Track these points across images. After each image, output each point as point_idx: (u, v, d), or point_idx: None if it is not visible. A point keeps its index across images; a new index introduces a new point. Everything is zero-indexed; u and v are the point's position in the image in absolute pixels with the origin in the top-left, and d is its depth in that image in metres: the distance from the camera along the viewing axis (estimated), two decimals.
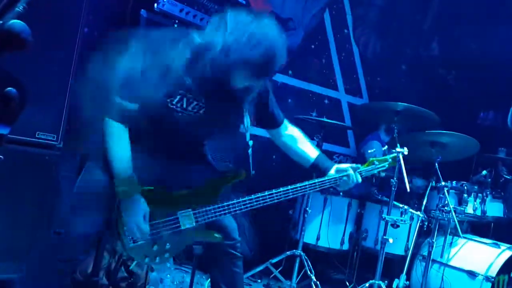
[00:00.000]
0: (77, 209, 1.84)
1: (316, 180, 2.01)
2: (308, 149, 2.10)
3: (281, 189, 1.95)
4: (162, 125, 1.86)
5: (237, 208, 1.93)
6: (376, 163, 2.16)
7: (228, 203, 1.93)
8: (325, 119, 3.74)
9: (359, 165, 2.11)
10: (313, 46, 4.78)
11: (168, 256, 1.95)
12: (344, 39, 5.04)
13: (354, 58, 5.14)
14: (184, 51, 1.75)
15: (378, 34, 5.31)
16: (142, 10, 2.92)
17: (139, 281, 2.71)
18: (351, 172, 2.03)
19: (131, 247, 1.87)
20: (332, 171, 2.05)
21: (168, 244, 1.92)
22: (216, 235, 1.98)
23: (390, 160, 2.19)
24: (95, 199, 1.85)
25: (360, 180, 2.06)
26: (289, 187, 1.96)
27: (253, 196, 1.94)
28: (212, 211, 1.92)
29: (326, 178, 2.03)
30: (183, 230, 1.92)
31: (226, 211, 1.93)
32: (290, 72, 4.60)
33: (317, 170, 2.07)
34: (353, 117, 5.07)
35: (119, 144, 1.81)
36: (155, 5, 2.88)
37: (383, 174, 2.21)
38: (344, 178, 2.03)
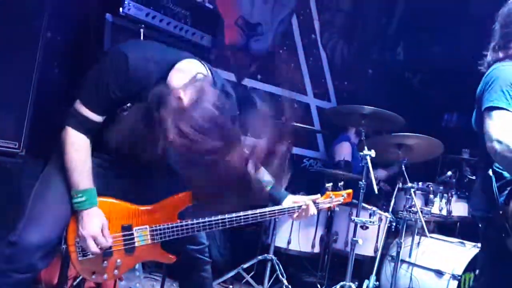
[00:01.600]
0: (34, 214, 1.76)
1: (276, 208, 2.03)
2: (264, 178, 2.10)
3: (241, 213, 1.93)
4: (123, 135, 1.79)
5: (195, 229, 1.88)
6: (333, 196, 2.20)
7: (186, 223, 1.87)
8: (294, 123, 3.76)
9: (318, 196, 2.14)
10: (281, 51, 4.82)
11: (117, 274, 1.86)
12: (312, 44, 5.11)
13: (321, 63, 5.21)
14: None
15: (345, 39, 5.40)
16: (107, 14, 2.87)
17: None
18: (308, 203, 2.06)
19: (79, 261, 1.79)
20: (287, 201, 2.06)
21: (119, 260, 1.84)
22: (170, 256, 1.92)
23: (345, 195, 2.24)
24: (53, 204, 1.77)
25: (315, 212, 2.10)
26: (249, 212, 1.95)
27: (213, 218, 1.89)
28: (170, 229, 1.86)
29: (286, 207, 2.04)
30: (137, 248, 1.85)
31: (184, 232, 1.87)
32: (259, 76, 4.62)
33: (272, 199, 2.08)
34: (322, 121, 5.12)
35: (80, 155, 1.75)
36: (120, 9, 2.82)
37: (337, 209, 2.25)
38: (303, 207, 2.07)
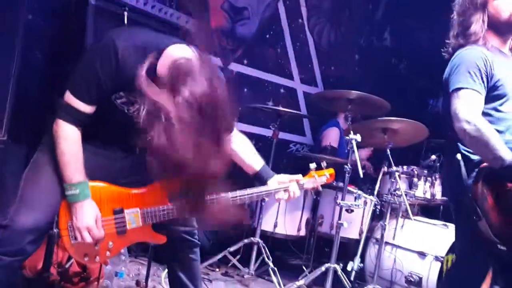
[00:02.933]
0: (24, 199, 1.76)
1: (263, 189, 2.04)
2: (255, 159, 2.11)
3: (230, 194, 1.94)
4: (115, 123, 1.79)
5: None
6: (316, 176, 2.21)
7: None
8: (281, 108, 3.76)
9: (300, 175, 2.14)
10: (267, 36, 4.79)
11: (109, 255, 1.89)
12: (299, 28, 5.08)
13: (308, 48, 5.19)
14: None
15: (332, 24, 5.38)
16: None
17: (93, 275, 2.66)
18: (292, 185, 2.07)
19: (72, 244, 1.81)
20: (273, 181, 2.07)
21: (111, 242, 1.86)
22: (161, 237, 1.95)
23: (327, 175, 2.24)
24: (43, 189, 1.77)
25: (298, 193, 2.10)
26: (237, 193, 1.96)
27: None
28: (160, 212, 1.88)
29: (273, 188, 2.05)
30: (129, 230, 1.87)
31: (175, 214, 1.88)
32: (245, 61, 4.60)
33: (259, 179, 2.09)
34: (309, 106, 5.13)
35: (73, 148, 1.74)
36: None
37: (320, 189, 2.26)
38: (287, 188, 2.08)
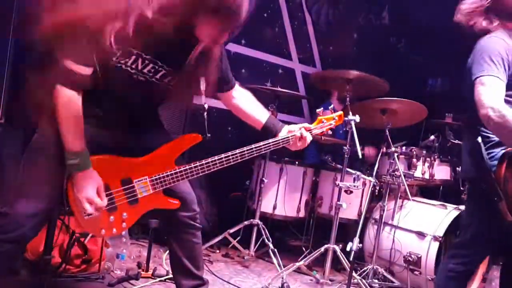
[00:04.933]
0: (25, 184, 1.75)
1: (270, 140, 2.06)
2: (259, 111, 2.14)
3: (237, 151, 1.96)
4: (115, 88, 1.78)
5: (194, 172, 1.91)
6: (324, 121, 2.23)
7: (185, 168, 1.90)
8: (279, 89, 3.73)
9: (310, 125, 2.17)
10: (265, 15, 4.73)
11: (125, 226, 1.90)
12: (296, 7, 5.01)
13: (306, 27, 5.13)
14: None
15: (330, 2, 5.31)
16: None
17: (94, 257, 2.67)
18: (301, 131, 2.10)
19: (86, 220, 1.80)
20: (283, 132, 2.10)
21: (125, 213, 1.87)
22: (174, 201, 1.96)
23: (336, 118, 2.27)
24: (44, 172, 1.76)
25: (310, 138, 2.13)
26: (245, 148, 1.98)
27: (209, 160, 1.92)
28: (170, 177, 1.90)
29: (280, 138, 2.07)
30: (140, 199, 1.88)
31: (184, 176, 1.90)
32: (243, 41, 4.54)
33: (269, 131, 2.11)
34: (307, 86, 5.09)
35: (72, 115, 1.71)
36: None
37: (330, 132, 2.28)
38: (297, 135, 2.09)
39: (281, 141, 2.07)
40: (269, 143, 2.04)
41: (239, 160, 1.97)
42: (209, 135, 1.94)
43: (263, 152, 2.05)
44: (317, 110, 2.27)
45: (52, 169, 1.75)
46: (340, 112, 2.29)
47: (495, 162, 2.03)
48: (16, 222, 1.71)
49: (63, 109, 1.70)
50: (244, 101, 2.14)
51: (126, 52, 1.73)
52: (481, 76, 2.04)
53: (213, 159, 1.92)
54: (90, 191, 1.75)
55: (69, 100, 1.70)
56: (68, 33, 1.61)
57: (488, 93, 2.00)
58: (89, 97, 1.76)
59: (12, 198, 1.73)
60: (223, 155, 1.94)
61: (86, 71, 1.70)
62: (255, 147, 2.00)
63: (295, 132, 2.09)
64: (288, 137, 2.08)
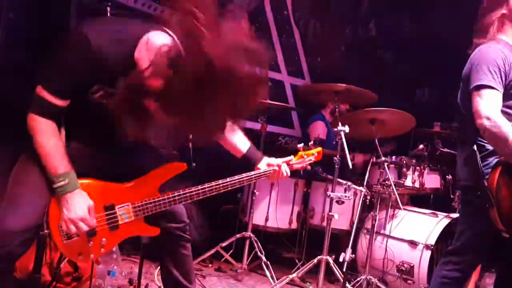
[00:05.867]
0: (13, 200, 1.72)
1: (253, 173, 2.11)
2: (241, 141, 2.15)
3: (220, 181, 1.97)
4: (95, 118, 1.75)
5: (177, 200, 1.91)
6: (305, 156, 2.30)
7: (168, 196, 1.89)
8: (269, 101, 3.75)
9: (291, 157, 2.22)
10: (253, 28, 4.76)
11: (103, 251, 1.87)
12: (284, 20, 5.06)
13: (295, 40, 5.18)
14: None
15: (317, 15, 5.37)
16: None
17: (85, 275, 2.63)
18: (283, 167, 2.16)
19: (65, 244, 1.78)
20: (262, 164, 2.15)
21: (104, 239, 1.85)
22: (154, 229, 1.95)
23: (315, 153, 2.33)
24: (32, 188, 1.73)
25: (289, 173, 2.19)
26: (228, 179, 2.00)
27: (193, 189, 1.93)
28: (152, 204, 1.88)
29: (262, 171, 2.13)
30: (121, 225, 1.86)
31: (166, 204, 1.90)
32: None
33: (248, 161, 2.15)
34: (296, 98, 5.13)
35: (51, 140, 1.70)
36: None
37: (309, 168, 2.37)
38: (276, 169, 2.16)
39: (262, 173, 2.13)
40: (251, 175, 2.09)
41: (221, 191, 1.98)
42: (194, 164, 1.94)
43: (246, 183, 2.10)
44: (298, 146, 2.35)
45: (41, 185, 1.73)
46: (319, 149, 2.37)
47: (489, 170, 2.07)
48: (4, 239, 1.67)
49: (40, 137, 1.69)
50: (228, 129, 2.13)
51: (107, 93, 1.71)
52: (478, 85, 2.07)
53: (197, 188, 1.93)
54: (82, 211, 1.73)
55: (44, 127, 1.69)
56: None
57: (485, 103, 2.04)
58: (69, 125, 1.75)
59: (0, 214, 1.70)
60: (206, 185, 1.94)
61: (61, 103, 1.69)
62: (237, 179, 2.03)
63: (275, 168, 2.15)
64: (270, 170, 2.14)
